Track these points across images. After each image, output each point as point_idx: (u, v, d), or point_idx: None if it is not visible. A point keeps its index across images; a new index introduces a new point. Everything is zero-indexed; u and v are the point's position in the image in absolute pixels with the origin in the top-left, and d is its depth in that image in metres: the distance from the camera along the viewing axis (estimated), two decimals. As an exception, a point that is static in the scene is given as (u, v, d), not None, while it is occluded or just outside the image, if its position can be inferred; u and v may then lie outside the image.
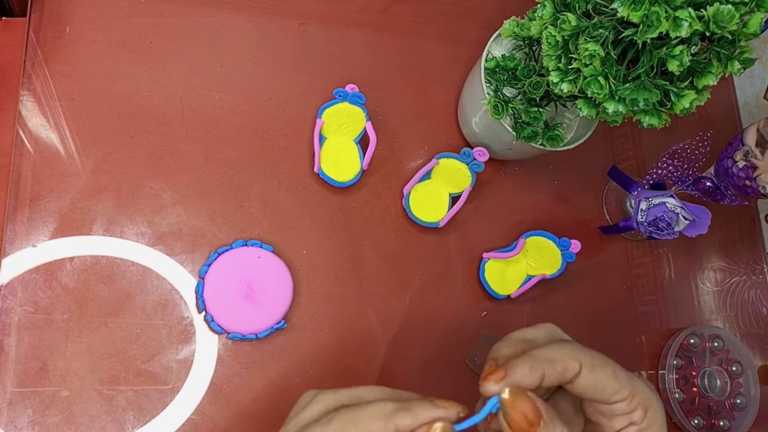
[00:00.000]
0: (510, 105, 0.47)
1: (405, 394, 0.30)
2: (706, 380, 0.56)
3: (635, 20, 0.36)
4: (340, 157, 0.51)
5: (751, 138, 0.47)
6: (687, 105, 0.39)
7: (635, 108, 0.40)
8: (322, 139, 0.51)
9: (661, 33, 0.36)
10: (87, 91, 0.49)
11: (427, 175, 0.53)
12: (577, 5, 0.39)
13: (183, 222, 0.48)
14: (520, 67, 0.48)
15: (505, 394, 0.27)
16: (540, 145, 0.49)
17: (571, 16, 0.39)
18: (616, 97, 0.40)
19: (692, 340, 0.57)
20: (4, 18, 0.48)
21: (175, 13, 0.52)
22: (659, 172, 0.51)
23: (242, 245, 0.48)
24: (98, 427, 0.43)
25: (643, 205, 0.52)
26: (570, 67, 0.41)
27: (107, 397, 0.43)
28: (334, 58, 0.55)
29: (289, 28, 0.55)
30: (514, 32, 0.46)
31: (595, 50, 0.38)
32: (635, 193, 0.53)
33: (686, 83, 0.39)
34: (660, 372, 0.56)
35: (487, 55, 0.49)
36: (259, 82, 0.53)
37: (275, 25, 0.54)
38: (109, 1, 0.51)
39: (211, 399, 0.45)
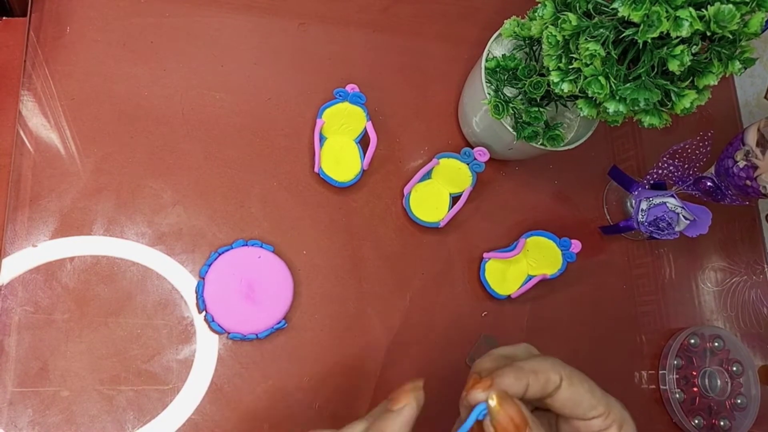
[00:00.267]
0: (510, 105, 0.47)
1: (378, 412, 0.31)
2: (706, 380, 0.56)
3: (636, 20, 0.36)
4: (340, 157, 0.51)
5: (751, 138, 0.47)
6: (688, 105, 0.39)
7: (636, 108, 0.40)
8: (322, 139, 0.51)
9: (661, 33, 0.36)
10: (87, 91, 0.49)
11: (427, 175, 0.53)
12: (577, 5, 0.39)
13: (183, 222, 0.48)
14: (520, 67, 0.47)
15: (492, 400, 0.28)
16: (540, 145, 0.48)
17: (571, 16, 0.39)
18: (617, 97, 0.40)
19: (693, 340, 0.57)
20: (4, 18, 0.48)
21: (175, 13, 0.52)
22: (660, 172, 0.51)
23: (242, 245, 0.48)
24: (98, 427, 0.43)
25: (644, 205, 0.52)
26: (570, 66, 0.40)
27: (107, 397, 0.43)
28: (334, 58, 0.55)
29: (289, 28, 0.55)
30: (514, 32, 0.46)
31: (595, 50, 0.38)
32: (636, 193, 0.53)
33: (687, 83, 0.39)
34: (660, 372, 0.56)
35: (488, 54, 0.49)
36: (259, 82, 0.53)
37: (275, 25, 0.54)
38: (109, 1, 0.51)
39: (212, 399, 0.45)
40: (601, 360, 0.56)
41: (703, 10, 0.35)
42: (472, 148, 0.53)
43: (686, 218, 0.51)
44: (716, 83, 0.38)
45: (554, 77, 0.41)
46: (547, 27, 0.41)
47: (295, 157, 0.52)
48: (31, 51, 0.48)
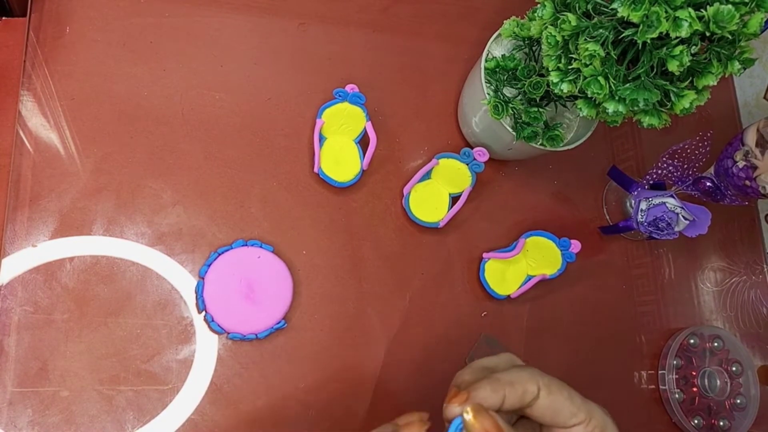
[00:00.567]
0: (510, 105, 0.47)
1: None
2: (706, 380, 0.56)
3: (635, 20, 0.36)
4: (340, 157, 0.51)
5: (751, 138, 0.47)
6: (687, 105, 0.39)
7: (635, 108, 0.40)
8: (322, 139, 0.51)
9: (661, 33, 0.36)
10: (87, 91, 0.49)
11: (427, 175, 0.53)
12: (577, 5, 0.39)
13: (183, 222, 0.48)
14: (520, 67, 0.48)
15: (468, 414, 0.28)
16: (540, 145, 0.49)
17: (571, 16, 0.39)
18: (616, 97, 0.40)
19: (692, 340, 0.57)
20: (4, 18, 0.48)
21: (175, 13, 0.52)
22: (659, 172, 0.51)
23: (242, 245, 0.48)
24: (98, 427, 0.43)
25: (643, 205, 0.52)
26: (570, 67, 0.41)
27: (107, 397, 0.43)
28: (334, 58, 0.55)
29: (289, 28, 0.55)
30: (514, 32, 0.46)
31: (595, 50, 0.38)
32: (635, 193, 0.53)
33: (686, 83, 0.39)
34: (660, 372, 0.56)
35: (487, 55, 0.49)
36: (259, 82, 0.53)
37: (275, 25, 0.54)
38: (109, 1, 0.51)
39: (211, 399, 0.45)
40: (601, 360, 0.56)
41: (702, 10, 0.35)
42: (472, 148, 0.53)
43: (686, 218, 0.51)
44: (715, 83, 0.38)
45: (554, 77, 0.41)
46: (546, 27, 0.41)
47: (294, 157, 0.52)
48: (31, 51, 0.48)
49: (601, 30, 0.38)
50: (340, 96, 0.50)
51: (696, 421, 0.55)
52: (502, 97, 0.48)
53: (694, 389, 0.56)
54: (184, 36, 0.52)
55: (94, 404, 0.43)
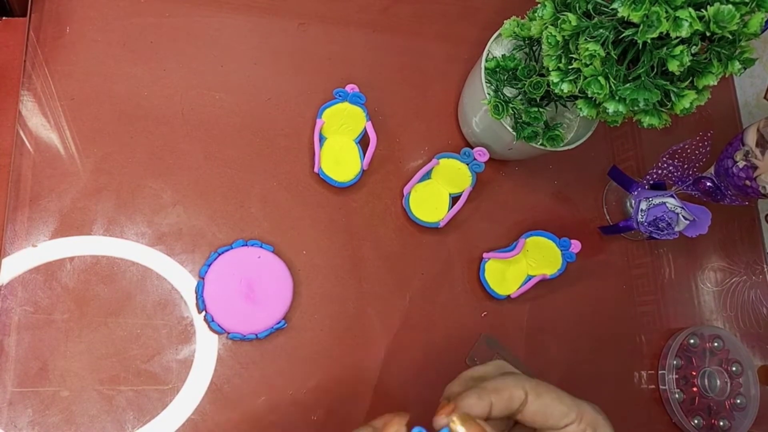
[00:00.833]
0: (510, 105, 0.47)
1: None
2: (706, 380, 0.56)
3: (635, 20, 0.36)
4: (340, 157, 0.51)
5: (751, 138, 0.47)
6: (687, 105, 0.39)
7: (635, 108, 0.40)
8: (322, 139, 0.51)
9: (661, 33, 0.36)
10: (87, 91, 0.49)
11: (427, 175, 0.53)
12: (577, 5, 0.39)
13: (183, 222, 0.48)
14: (520, 67, 0.48)
15: (454, 423, 0.29)
16: (540, 145, 0.49)
17: (571, 16, 0.39)
18: (617, 97, 0.40)
19: (692, 340, 0.57)
20: (4, 18, 0.48)
21: (175, 13, 0.52)
22: (659, 172, 0.51)
23: (242, 245, 0.48)
24: (98, 427, 0.43)
25: (643, 205, 0.52)
26: (570, 67, 0.41)
27: (107, 397, 0.43)
28: (334, 58, 0.55)
29: (289, 28, 0.55)
30: (514, 32, 0.46)
31: (595, 50, 0.38)
32: (635, 193, 0.53)
33: (686, 83, 0.39)
34: (660, 372, 0.56)
35: (488, 55, 0.49)
36: (259, 82, 0.53)
37: (275, 25, 0.54)
38: (109, 1, 0.51)
39: (211, 399, 0.45)
40: (601, 360, 0.56)
41: (702, 10, 0.35)
42: (472, 148, 0.53)
43: (686, 218, 0.51)
44: (716, 83, 0.38)
45: (554, 77, 0.41)
46: (546, 27, 0.41)
47: (295, 157, 0.52)
48: (31, 51, 0.48)
49: (601, 30, 0.38)
50: (340, 96, 0.50)
51: (696, 421, 0.55)
52: (502, 97, 0.48)
53: (694, 389, 0.56)
54: (184, 36, 0.52)
55: (94, 404, 0.43)
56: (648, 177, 0.52)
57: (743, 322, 0.61)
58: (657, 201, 0.52)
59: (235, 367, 0.46)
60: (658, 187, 0.53)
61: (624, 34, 0.38)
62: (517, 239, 0.53)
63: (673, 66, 0.37)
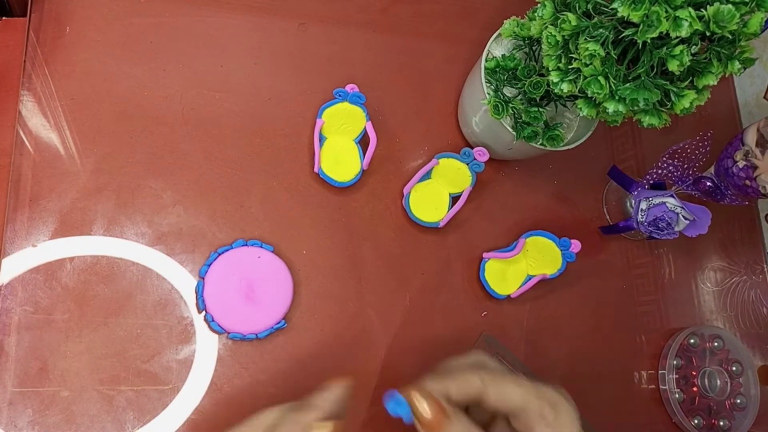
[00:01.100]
0: (510, 105, 0.47)
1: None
2: (706, 380, 0.56)
3: (635, 20, 0.36)
4: (340, 157, 0.51)
5: (751, 138, 0.47)
6: (687, 105, 0.39)
7: (635, 108, 0.40)
8: (322, 139, 0.51)
9: (661, 33, 0.36)
10: (87, 91, 0.49)
11: (427, 175, 0.53)
12: (577, 5, 0.39)
13: (183, 222, 0.48)
14: (520, 67, 0.48)
15: (413, 396, 0.33)
16: (540, 145, 0.49)
17: (571, 16, 0.39)
18: (616, 97, 0.40)
19: (692, 340, 0.57)
20: (4, 18, 0.48)
21: (175, 13, 0.52)
22: (659, 172, 0.51)
23: (242, 245, 0.48)
24: (98, 427, 0.43)
25: (643, 205, 0.52)
26: (570, 67, 0.41)
27: (107, 397, 0.43)
28: (334, 58, 0.55)
29: (289, 28, 0.55)
30: (514, 32, 0.46)
31: (595, 50, 0.38)
32: (635, 193, 0.53)
33: (686, 83, 0.39)
34: (660, 372, 0.56)
35: (487, 54, 0.49)
36: (259, 82, 0.53)
37: (275, 25, 0.54)
38: (109, 1, 0.51)
39: (211, 399, 0.45)
40: (601, 360, 0.56)
41: (702, 10, 0.35)
42: (472, 148, 0.53)
43: (686, 218, 0.51)
44: (716, 83, 0.38)
45: (554, 77, 0.41)
46: (546, 27, 0.41)
47: (295, 157, 0.52)
48: (31, 51, 0.48)
49: (601, 30, 0.38)
50: (340, 96, 0.50)
51: (696, 421, 0.55)
52: (502, 96, 0.48)
53: (694, 389, 0.56)
54: (184, 36, 0.52)
55: (94, 404, 0.43)
56: (648, 177, 0.52)
57: (743, 322, 0.61)
58: (657, 201, 0.52)
59: (235, 367, 0.46)
60: (658, 186, 0.53)
61: (624, 34, 0.38)
62: (517, 239, 0.54)
63: (673, 66, 0.37)
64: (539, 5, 0.42)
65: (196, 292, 0.46)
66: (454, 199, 0.53)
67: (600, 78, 0.39)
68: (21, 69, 0.47)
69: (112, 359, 0.44)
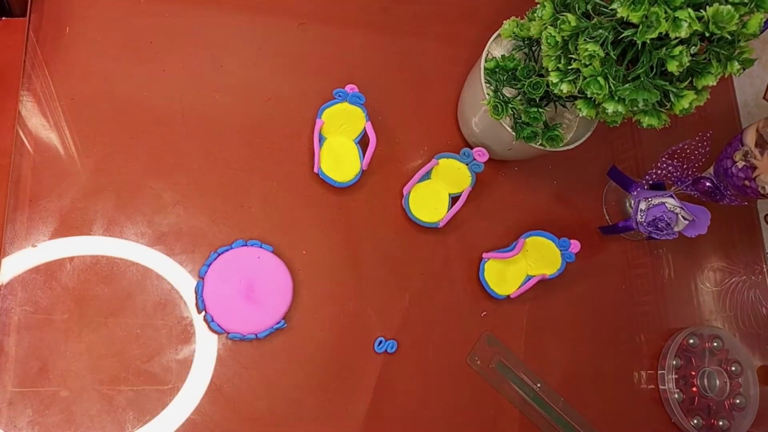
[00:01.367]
0: (510, 105, 0.47)
1: None
2: (705, 380, 0.56)
3: (635, 21, 0.36)
4: (340, 157, 0.51)
5: (750, 138, 0.47)
6: (686, 105, 0.39)
7: (635, 108, 0.40)
8: (322, 139, 0.51)
9: (660, 33, 0.36)
10: (87, 91, 0.49)
11: (427, 175, 0.53)
12: (576, 6, 0.39)
13: (183, 222, 0.48)
14: (519, 68, 0.48)
15: None
16: (540, 145, 0.49)
17: (570, 17, 0.39)
18: (616, 98, 0.40)
19: (692, 340, 0.57)
20: (4, 18, 0.48)
21: (175, 13, 0.52)
22: (659, 172, 0.52)
23: (242, 245, 0.48)
24: (98, 427, 0.43)
25: (643, 205, 0.52)
26: (570, 67, 0.41)
27: (107, 397, 0.43)
28: (334, 58, 0.55)
29: (289, 28, 0.55)
30: (513, 32, 0.46)
31: (594, 50, 0.38)
32: (635, 193, 0.54)
33: (686, 83, 0.39)
34: (659, 372, 0.56)
35: (487, 55, 0.49)
36: (258, 82, 0.53)
37: (275, 25, 0.54)
38: (109, 1, 0.51)
39: (211, 399, 0.45)
40: (601, 360, 0.56)
41: (701, 10, 0.35)
42: (472, 148, 0.53)
43: (685, 218, 0.51)
44: (715, 84, 0.38)
45: (553, 78, 0.41)
46: (546, 28, 0.41)
47: (294, 157, 0.52)
48: (31, 51, 0.48)
49: (600, 30, 0.38)
50: (340, 96, 0.50)
51: (695, 421, 0.55)
52: (501, 97, 0.48)
53: (694, 389, 0.56)
54: (184, 36, 0.52)
55: (94, 404, 0.43)
56: (647, 177, 0.52)
57: (743, 322, 0.61)
58: (656, 201, 0.52)
59: (235, 367, 0.46)
60: (658, 187, 0.53)
61: (623, 35, 0.38)
62: (517, 239, 0.54)
63: (672, 66, 0.37)
64: (539, 6, 0.42)
65: (196, 292, 0.46)
66: (454, 199, 0.53)
67: (599, 78, 0.39)
68: (21, 69, 0.47)
69: (112, 359, 0.44)
